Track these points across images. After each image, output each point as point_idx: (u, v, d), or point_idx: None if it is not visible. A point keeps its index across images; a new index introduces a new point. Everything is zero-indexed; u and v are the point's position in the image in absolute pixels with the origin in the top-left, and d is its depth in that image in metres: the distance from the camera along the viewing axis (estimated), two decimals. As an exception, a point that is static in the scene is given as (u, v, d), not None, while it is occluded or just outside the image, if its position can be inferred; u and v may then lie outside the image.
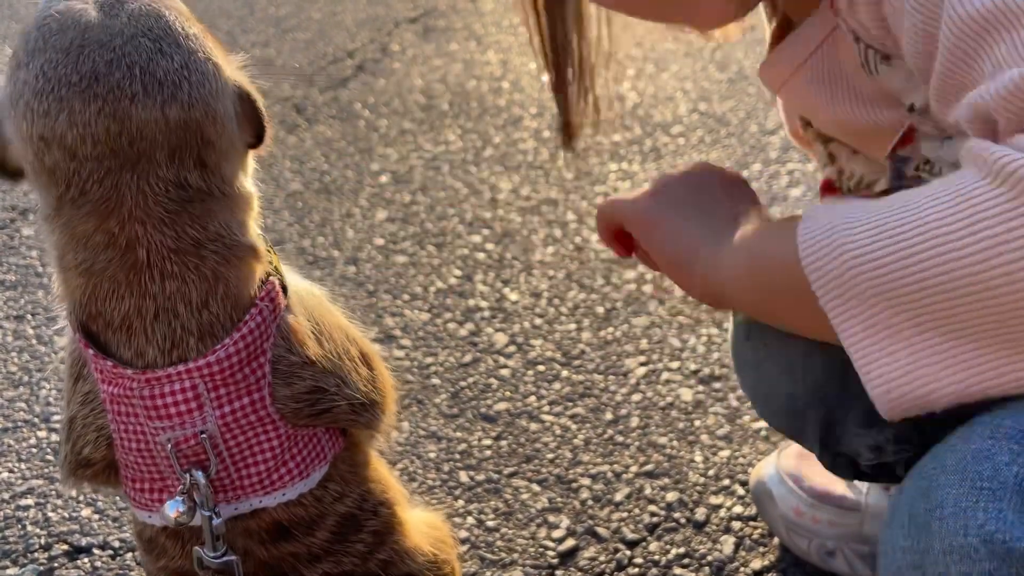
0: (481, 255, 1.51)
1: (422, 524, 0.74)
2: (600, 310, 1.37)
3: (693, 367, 1.24)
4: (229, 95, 0.57)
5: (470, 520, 1.02)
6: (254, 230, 0.61)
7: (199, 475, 0.59)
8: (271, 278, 0.61)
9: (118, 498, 1.04)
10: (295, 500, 0.62)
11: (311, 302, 0.65)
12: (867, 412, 0.64)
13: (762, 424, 1.14)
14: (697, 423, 1.15)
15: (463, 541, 0.99)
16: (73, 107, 0.53)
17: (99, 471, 0.63)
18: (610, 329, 1.32)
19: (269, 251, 0.63)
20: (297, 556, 0.63)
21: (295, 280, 0.66)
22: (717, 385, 1.21)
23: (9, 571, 0.96)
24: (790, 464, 0.96)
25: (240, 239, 0.58)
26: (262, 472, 0.61)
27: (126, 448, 0.61)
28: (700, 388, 1.21)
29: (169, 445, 0.59)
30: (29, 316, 1.38)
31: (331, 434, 0.64)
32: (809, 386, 0.72)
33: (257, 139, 0.60)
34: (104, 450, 0.61)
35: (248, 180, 0.61)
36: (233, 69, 0.59)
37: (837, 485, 0.93)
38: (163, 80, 0.53)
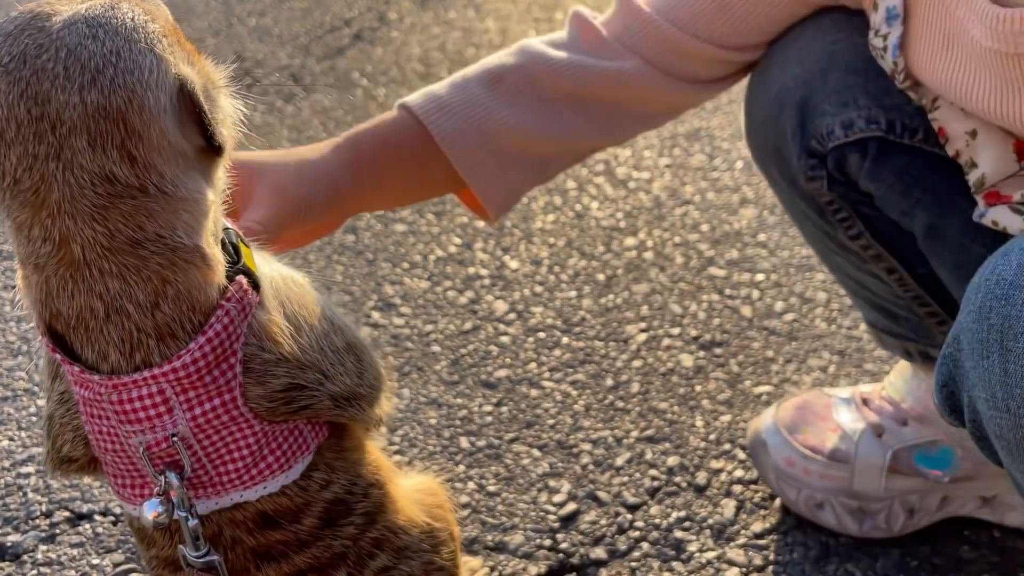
0: (481, 223, 1.50)
1: (417, 492, 0.73)
2: (600, 277, 1.36)
3: (694, 333, 1.24)
4: (167, 88, 0.53)
5: (471, 485, 1.02)
6: (207, 235, 0.57)
7: (172, 477, 0.58)
8: (239, 278, 0.58)
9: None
10: (279, 492, 0.61)
11: (291, 292, 0.63)
12: (842, 94, 0.76)
13: (764, 389, 1.14)
14: (698, 388, 1.15)
15: (464, 506, 0.99)
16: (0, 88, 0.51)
17: (83, 465, 0.63)
18: (611, 296, 1.32)
19: (242, 245, 0.61)
20: (286, 543, 0.63)
21: (275, 269, 0.64)
22: (718, 351, 1.21)
23: (11, 537, 0.97)
24: (787, 416, 0.96)
25: (184, 242, 0.55)
26: (240, 469, 0.60)
27: (103, 448, 0.60)
28: (701, 354, 1.20)
29: (141, 448, 0.58)
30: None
31: (314, 424, 0.63)
32: (798, 77, 0.79)
33: (208, 141, 0.55)
34: (83, 448, 0.61)
35: (208, 185, 0.57)
36: (188, 68, 0.56)
37: (830, 439, 0.94)
38: (86, 64, 0.51)
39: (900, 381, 0.94)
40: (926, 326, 0.87)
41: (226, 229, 0.61)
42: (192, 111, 0.55)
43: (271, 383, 0.59)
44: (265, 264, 0.63)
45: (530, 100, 0.81)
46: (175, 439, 0.58)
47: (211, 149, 0.56)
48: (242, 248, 0.61)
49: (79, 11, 0.53)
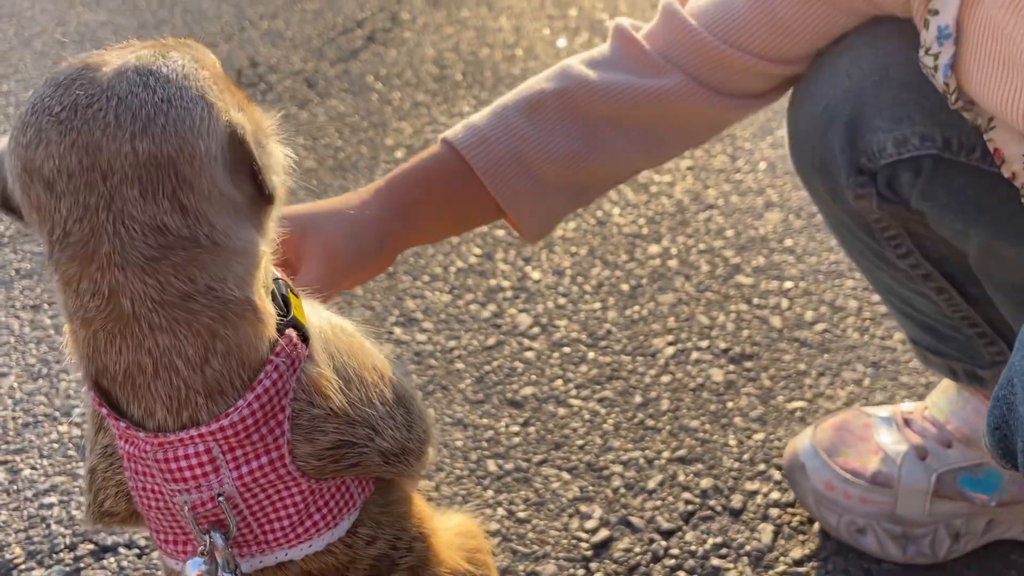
0: (500, 232, 1.47)
1: (457, 536, 0.71)
2: (625, 287, 1.33)
3: (723, 345, 1.21)
4: (217, 136, 0.52)
5: (500, 511, 1.00)
6: (258, 286, 0.55)
7: (217, 538, 0.57)
8: (288, 332, 0.57)
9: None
10: (325, 550, 0.60)
11: (340, 343, 0.61)
12: (895, 109, 0.72)
13: (797, 404, 1.11)
14: (729, 405, 1.12)
15: (494, 533, 0.97)
16: (50, 138, 0.51)
17: (123, 519, 0.62)
18: (636, 307, 1.29)
19: (291, 295, 0.59)
20: None
21: (324, 318, 0.62)
22: (748, 364, 1.18)
23: (36, 572, 0.95)
24: (825, 438, 0.93)
25: (236, 295, 0.53)
26: (286, 527, 0.58)
27: (146, 505, 0.59)
28: (731, 368, 1.18)
29: (186, 508, 0.56)
30: (46, 306, 1.36)
31: (360, 480, 0.61)
32: (847, 91, 0.75)
33: (259, 190, 0.54)
34: (124, 503, 0.60)
35: (256, 233, 0.56)
36: (239, 115, 0.54)
37: (871, 462, 0.91)
38: (137, 112, 0.50)
39: (944, 401, 0.91)
40: (974, 346, 0.84)
41: (276, 280, 0.59)
42: (243, 159, 0.53)
43: (320, 440, 0.57)
44: (314, 314, 0.61)
45: (571, 126, 0.79)
46: (221, 499, 0.56)
47: (262, 198, 0.54)
48: (292, 299, 0.59)
49: (129, 60, 0.52)
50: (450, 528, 0.73)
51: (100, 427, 0.59)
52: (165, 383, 0.53)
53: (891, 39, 0.74)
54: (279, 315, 0.57)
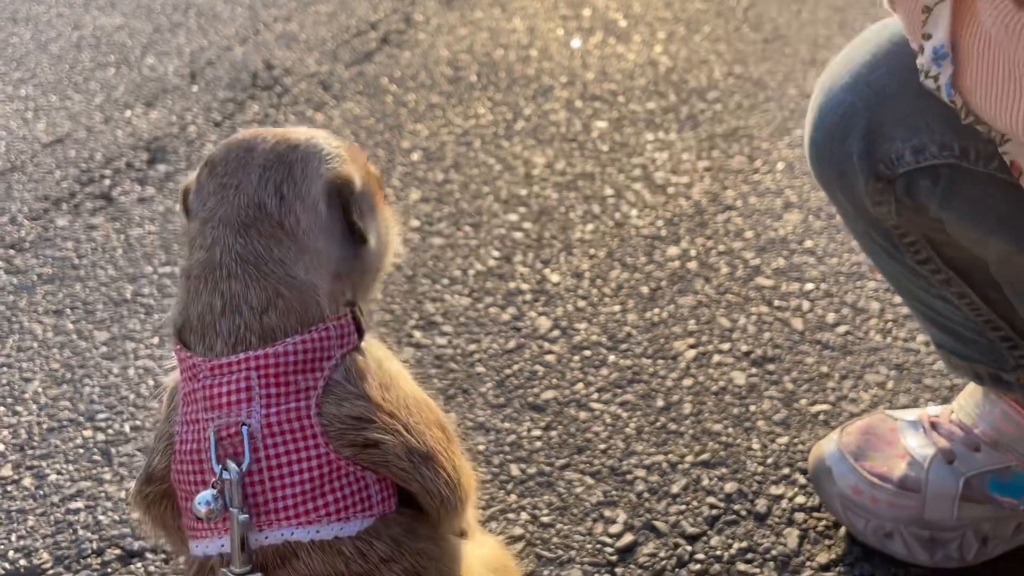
0: (519, 234, 1.47)
1: (488, 570, 0.70)
2: (644, 290, 1.33)
3: (745, 348, 1.21)
4: (329, 166, 0.66)
5: (524, 516, 1.00)
6: (324, 283, 0.64)
7: (232, 467, 0.59)
8: (347, 313, 0.65)
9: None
10: (334, 547, 0.59)
11: (389, 368, 0.66)
12: (913, 117, 0.71)
13: (820, 407, 1.11)
14: (752, 408, 1.12)
15: (517, 538, 0.97)
16: (229, 144, 0.68)
17: (157, 495, 0.64)
18: (656, 310, 1.29)
19: (359, 318, 0.66)
20: None
21: (376, 346, 0.68)
22: (771, 367, 1.18)
23: (64, 578, 0.96)
24: (852, 441, 0.93)
25: (300, 276, 0.63)
26: (297, 494, 0.59)
27: (182, 452, 0.62)
28: (753, 371, 1.17)
29: (211, 431, 0.60)
30: (68, 311, 1.36)
31: (382, 487, 0.62)
32: (866, 99, 0.75)
33: (350, 226, 0.66)
34: (167, 460, 0.63)
35: (338, 248, 0.66)
36: (354, 171, 0.68)
37: (898, 466, 0.90)
38: (283, 136, 0.67)
39: (971, 405, 0.90)
40: (997, 349, 0.84)
41: (356, 305, 0.67)
42: (342, 202, 0.66)
43: (346, 407, 0.61)
44: (377, 348, 0.67)
45: None
46: (245, 429, 0.59)
47: (353, 236, 0.66)
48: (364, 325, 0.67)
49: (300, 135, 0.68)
50: (482, 559, 0.72)
51: (172, 403, 0.65)
52: (228, 322, 0.61)
53: (903, 43, 0.73)
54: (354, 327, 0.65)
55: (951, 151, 0.72)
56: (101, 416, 1.17)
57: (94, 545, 0.99)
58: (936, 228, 0.77)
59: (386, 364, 0.66)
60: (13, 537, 1.01)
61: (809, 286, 1.31)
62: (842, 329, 1.23)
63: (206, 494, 0.59)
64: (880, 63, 0.75)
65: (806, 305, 1.28)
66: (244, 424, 0.59)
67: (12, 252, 1.50)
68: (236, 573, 0.59)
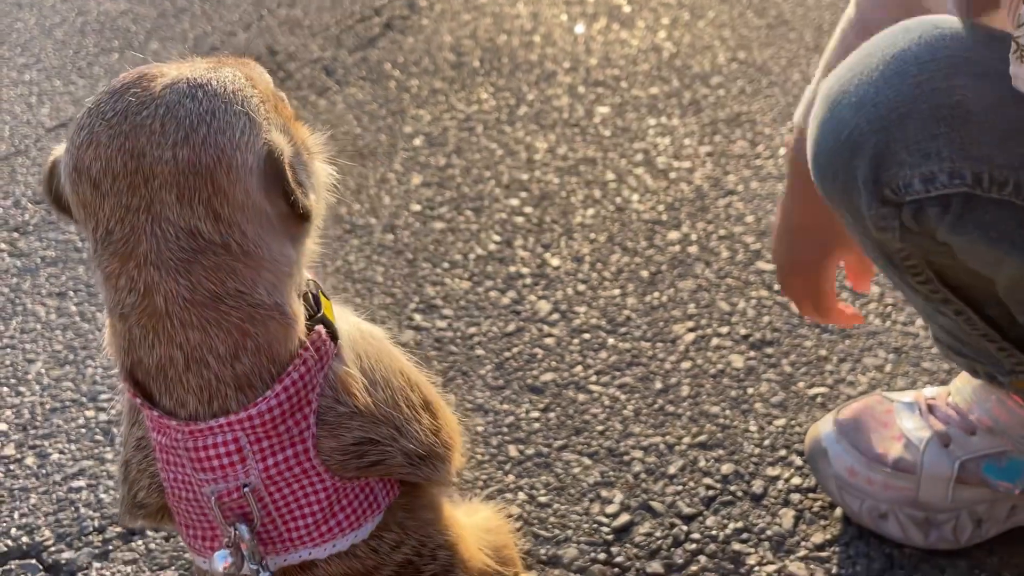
0: (520, 219, 1.47)
1: (483, 532, 0.71)
2: (644, 274, 1.33)
3: (743, 332, 1.21)
4: (255, 151, 0.54)
5: (521, 496, 1.01)
6: (289, 293, 0.57)
7: (243, 529, 0.58)
8: (317, 328, 0.59)
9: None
10: (349, 553, 0.60)
11: (368, 346, 0.63)
12: (922, 143, 0.68)
13: (818, 390, 1.11)
14: (750, 391, 1.12)
15: (515, 518, 0.98)
16: (100, 140, 0.54)
17: (152, 513, 0.63)
18: (656, 294, 1.29)
19: (322, 296, 0.61)
20: None
21: (353, 323, 0.63)
22: (769, 350, 1.18)
23: (65, 555, 0.97)
24: (848, 423, 0.93)
25: (264, 300, 0.55)
26: (310, 524, 0.59)
27: (176, 496, 0.60)
28: (752, 354, 1.18)
29: (213, 498, 0.58)
30: (71, 293, 1.37)
31: (385, 483, 0.62)
32: (873, 122, 0.71)
33: (292, 208, 0.56)
34: (156, 496, 0.61)
35: (291, 246, 0.58)
36: (280, 135, 0.56)
37: (894, 448, 0.91)
38: (182, 121, 0.53)
39: (968, 390, 0.90)
40: (994, 355, 0.83)
41: (308, 281, 0.61)
42: (279, 178, 0.55)
43: (344, 436, 0.58)
44: (344, 318, 0.63)
45: None
46: (246, 490, 0.57)
47: (295, 215, 0.56)
48: (322, 300, 0.61)
49: (183, 73, 0.55)
50: (476, 523, 0.73)
51: (135, 421, 0.61)
52: (196, 376, 0.55)
53: (928, 55, 0.70)
54: (309, 315, 0.59)
55: (963, 179, 0.68)
56: (103, 396, 1.18)
57: (95, 523, 1.00)
58: (940, 252, 0.74)
59: (361, 344, 0.62)
60: (16, 515, 1.02)
61: (809, 270, 1.31)
62: (841, 313, 1.23)
63: (223, 554, 0.58)
64: (888, 83, 0.71)
65: (806, 289, 1.28)
66: (245, 486, 0.57)
67: (16, 235, 1.51)
68: None
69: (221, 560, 0.58)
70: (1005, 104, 0.66)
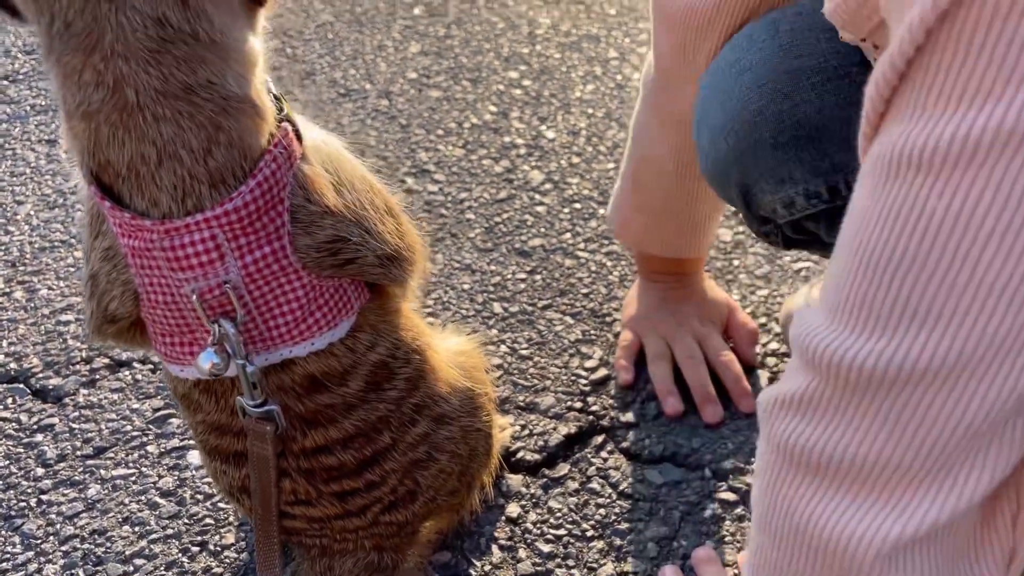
0: (518, 91, 1.45)
1: (455, 354, 0.73)
2: (640, 150, 1.32)
3: (732, 207, 1.21)
4: None
5: (503, 348, 1.02)
6: (256, 85, 0.57)
7: (228, 324, 0.58)
8: (283, 125, 0.58)
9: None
10: (327, 351, 0.61)
11: (329, 151, 0.62)
12: (775, 171, 0.69)
13: (803, 264, 1.12)
14: (736, 263, 1.13)
15: (496, 367, 0.99)
16: None
17: (123, 328, 0.62)
18: (649, 169, 1.28)
19: (281, 100, 0.60)
20: (333, 407, 0.63)
21: (311, 130, 0.62)
22: (758, 227, 1.18)
23: (52, 381, 0.99)
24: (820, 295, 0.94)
25: (235, 91, 0.54)
26: (289, 322, 0.60)
27: (153, 302, 0.59)
28: (740, 229, 1.18)
29: (194, 296, 0.57)
30: (61, 140, 1.36)
31: (357, 285, 0.62)
32: (727, 155, 0.72)
33: None
34: (130, 306, 0.60)
35: (252, 35, 0.57)
36: None
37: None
38: None
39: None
40: None
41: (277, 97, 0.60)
42: None
43: (317, 234, 0.58)
44: (303, 124, 0.62)
45: None
46: (227, 287, 0.57)
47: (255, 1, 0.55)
48: (283, 102, 0.60)
49: None
50: (448, 347, 0.74)
51: (98, 232, 0.59)
52: (169, 172, 0.54)
53: (769, 77, 0.68)
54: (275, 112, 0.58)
55: (819, 198, 0.67)
56: (92, 239, 1.19)
57: (83, 353, 1.02)
58: (831, 244, 0.75)
59: (324, 149, 0.62)
60: (4, 343, 1.03)
61: (805, 154, 1.30)
62: (833, 195, 1.23)
63: (208, 353, 0.59)
64: (734, 115, 0.70)
65: (800, 171, 1.27)
66: (226, 282, 0.57)
67: (6, 83, 1.49)
68: (252, 405, 0.61)
69: (207, 360, 0.59)
70: (849, 106, 0.64)
